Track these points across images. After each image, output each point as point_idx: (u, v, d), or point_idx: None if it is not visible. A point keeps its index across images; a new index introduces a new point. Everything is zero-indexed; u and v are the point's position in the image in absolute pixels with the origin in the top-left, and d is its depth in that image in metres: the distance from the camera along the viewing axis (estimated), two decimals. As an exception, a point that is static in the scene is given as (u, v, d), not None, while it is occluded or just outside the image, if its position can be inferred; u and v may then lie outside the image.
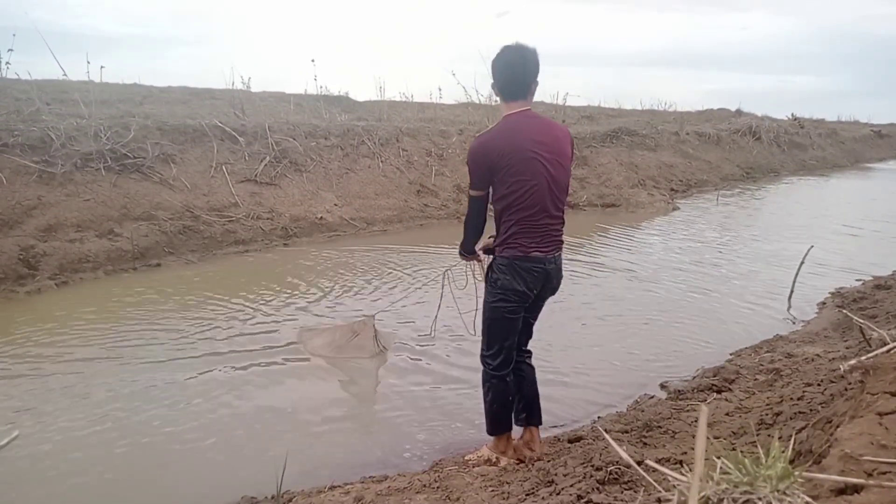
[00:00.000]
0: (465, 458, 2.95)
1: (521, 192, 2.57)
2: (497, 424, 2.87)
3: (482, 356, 2.82)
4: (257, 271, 6.42)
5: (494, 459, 2.89)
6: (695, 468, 0.92)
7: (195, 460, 3.06)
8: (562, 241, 2.77)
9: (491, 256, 2.80)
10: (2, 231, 5.79)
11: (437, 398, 3.73)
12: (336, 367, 4.15)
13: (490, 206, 2.74)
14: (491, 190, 2.67)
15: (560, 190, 2.66)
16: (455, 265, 3.60)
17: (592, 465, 2.53)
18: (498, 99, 2.72)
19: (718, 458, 1.13)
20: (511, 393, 2.85)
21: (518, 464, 2.86)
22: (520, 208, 2.59)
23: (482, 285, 2.91)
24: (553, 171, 2.60)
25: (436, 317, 4.37)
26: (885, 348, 1.84)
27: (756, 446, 1.23)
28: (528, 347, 3.01)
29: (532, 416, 2.99)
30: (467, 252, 2.93)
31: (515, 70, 2.60)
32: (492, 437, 2.93)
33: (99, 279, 5.93)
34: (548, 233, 2.66)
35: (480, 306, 2.90)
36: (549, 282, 2.73)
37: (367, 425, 3.47)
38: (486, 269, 2.83)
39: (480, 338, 2.85)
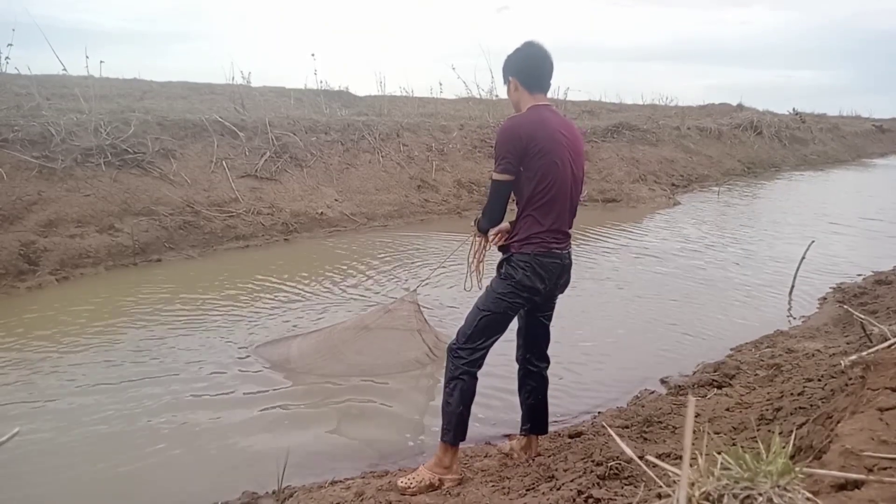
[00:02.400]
0: (399, 483, 2.61)
1: (548, 187, 2.50)
2: (457, 431, 2.62)
3: (456, 348, 2.61)
4: (258, 265, 6.42)
5: (437, 482, 2.61)
6: (683, 459, 0.91)
7: (196, 456, 3.06)
8: (570, 237, 2.73)
9: (504, 254, 2.66)
10: (2, 226, 5.79)
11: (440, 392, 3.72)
12: (335, 360, 4.12)
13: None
14: (517, 193, 2.56)
15: (578, 186, 2.65)
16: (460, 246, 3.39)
17: (593, 461, 2.53)
18: (499, 93, 2.72)
19: (719, 453, 1.13)
20: (475, 393, 2.65)
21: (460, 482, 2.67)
22: (546, 201, 2.51)
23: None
24: (574, 167, 2.60)
25: (436, 268, 4.01)
26: (885, 344, 1.84)
27: (756, 442, 1.23)
28: (544, 355, 2.86)
29: (536, 426, 2.89)
30: (482, 230, 2.74)
31: (540, 62, 2.61)
32: (432, 458, 2.70)
33: (99, 274, 5.93)
34: (565, 229, 2.63)
35: (470, 267, 2.86)
36: (562, 276, 2.67)
37: (368, 420, 3.47)
38: (498, 264, 2.68)
39: (460, 331, 2.65)
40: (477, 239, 2.84)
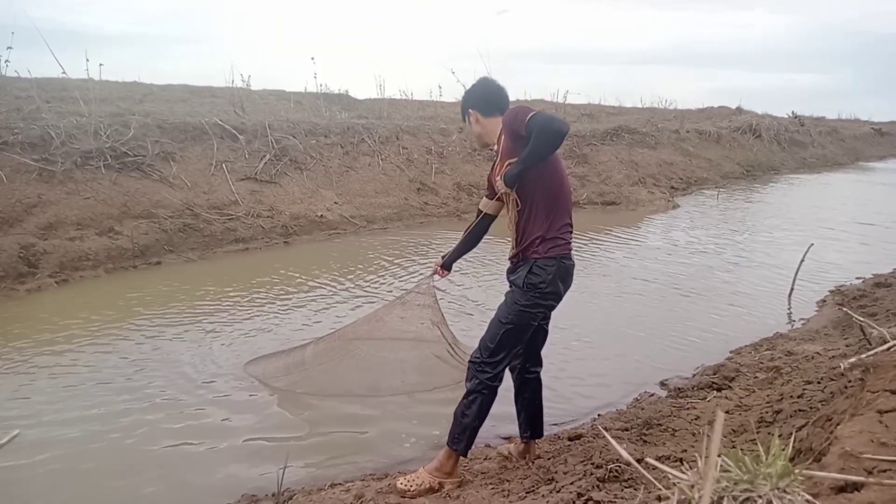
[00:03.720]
0: (399, 485, 2.61)
1: (559, 177, 2.54)
2: (469, 442, 2.63)
3: (480, 362, 2.56)
4: (258, 268, 6.42)
5: (437, 486, 2.61)
6: (707, 470, 0.92)
7: (196, 460, 3.06)
8: None
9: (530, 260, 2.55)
10: (2, 229, 5.78)
11: (443, 394, 3.71)
12: (336, 358, 4.09)
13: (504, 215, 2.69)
14: (529, 184, 2.49)
15: None
16: None
17: (592, 463, 2.53)
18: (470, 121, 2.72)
19: (719, 456, 1.13)
20: (490, 408, 2.63)
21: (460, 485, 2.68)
22: (557, 194, 2.54)
23: None
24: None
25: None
26: (885, 346, 1.84)
27: (756, 444, 1.23)
28: (539, 358, 2.86)
29: (535, 432, 2.89)
30: (511, 183, 2.49)
31: (497, 91, 2.71)
32: (433, 461, 2.69)
33: (99, 277, 5.93)
34: (572, 220, 2.64)
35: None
36: (573, 277, 2.68)
37: (368, 423, 3.46)
38: (516, 274, 2.59)
39: (482, 345, 2.59)
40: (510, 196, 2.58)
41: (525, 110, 2.43)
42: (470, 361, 2.63)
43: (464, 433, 2.60)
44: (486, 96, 2.71)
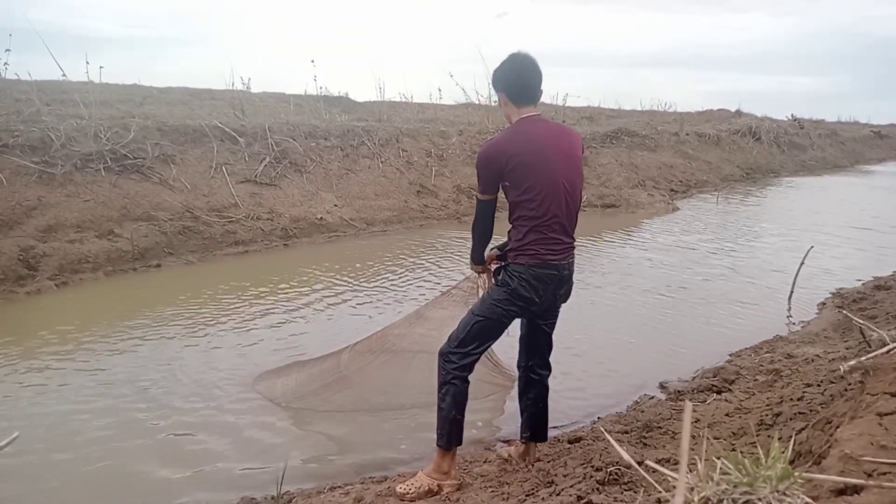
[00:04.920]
0: (398, 490, 2.62)
1: (534, 196, 2.48)
2: (451, 435, 2.63)
3: (448, 353, 2.62)
4: (257, 271, 6.42)
5: (436, 488, 2.62)
6: (681, 464, 0.92)
7: (195, 461, 3.05)
8: (573, 246, 2.67)
9: (502, 263, 2.70)
10: (2, 231, 5.79)
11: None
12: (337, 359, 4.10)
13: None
14: (504, 195, 2.59)
15: (574, 194, 2.60)
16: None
17: (592, 466, 2.53)
18: (497, 100, 2.71)
19: (718, 458, 1.13)
20: (467, 397, 2.65)
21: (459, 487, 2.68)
22: (534, 214, 2.50)
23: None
24: (567, 175, 2.55)
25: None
26: (884, 349, 1.85)
27: (756, 447, 1.23)
28: (548, 363, 2.87)
29: (536, 434, 2.88)
30: (477, 262, 2.84)
31: (524, 76, 2.60)
32: (430, 464, 2.71)
33: (99, 280, 5.93)
34: (562, 237, 2.57)
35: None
36: (561, 287, 2.64)
37: (368, 425, 3.46)
38: (495, 274, 2.74)
39: (452, 336, 2.66)
40: (479, 273, 2.95)
41: (481, 169, 2.59)
42: (439, 353, 2.67)
43: (444, 427, 2.62)
44: (516, 86, 2.61)
